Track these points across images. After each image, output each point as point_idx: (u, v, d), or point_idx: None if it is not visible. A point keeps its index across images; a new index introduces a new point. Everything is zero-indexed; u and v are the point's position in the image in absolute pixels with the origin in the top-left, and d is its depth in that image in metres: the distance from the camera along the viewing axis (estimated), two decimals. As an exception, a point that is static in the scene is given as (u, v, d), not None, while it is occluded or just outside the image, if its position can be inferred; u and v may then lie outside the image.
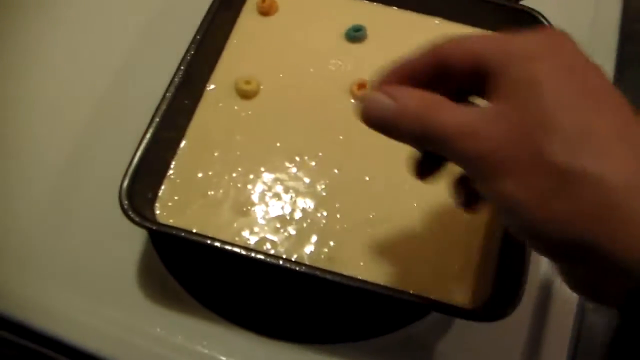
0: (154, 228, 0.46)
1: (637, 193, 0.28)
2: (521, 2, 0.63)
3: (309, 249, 0.48)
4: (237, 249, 0.45)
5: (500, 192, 0.30)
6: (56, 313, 0.50)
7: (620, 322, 0.53)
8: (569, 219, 0.29)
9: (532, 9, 0.58)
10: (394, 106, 0.34)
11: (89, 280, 0.51)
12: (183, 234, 0.46)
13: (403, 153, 0.51)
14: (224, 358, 0.49)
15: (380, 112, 0.35)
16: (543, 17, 0.57)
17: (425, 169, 0.39)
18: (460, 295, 0.47)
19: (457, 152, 0.31)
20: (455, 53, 0.34)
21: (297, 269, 0.45)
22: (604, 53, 0.64)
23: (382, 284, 0.46)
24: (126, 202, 0.46)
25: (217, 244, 0.45)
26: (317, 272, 0.45)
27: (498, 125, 0.30)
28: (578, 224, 0.28)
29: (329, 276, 0.45)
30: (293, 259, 0.47)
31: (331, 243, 0.48)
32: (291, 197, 0.50)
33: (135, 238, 0.52)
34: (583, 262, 0.30)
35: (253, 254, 0.45)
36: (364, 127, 0.53)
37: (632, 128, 0.29)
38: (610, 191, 0.28)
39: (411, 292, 0.46)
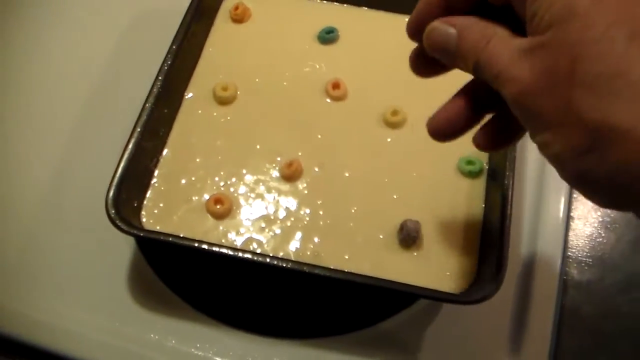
0: (142, 235, 0.47)
1: None
2: None
3: (294, 245, 0.49)
4: (224, 250, 0.46)
5: (540, 142, 0.31)
6: (48, 325, 0.51)
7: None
8: (605, 175, 0.28)
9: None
10: (454, 35, 0.35)
11: (79, 290, 0.52)
12: (170, 239, 0.47)
13: (380, 148, 0.53)
14: (217, 358, 0.50)
15: (443, 39, 0.35)
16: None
17: (423, 66, 0.41)
18: (445, 281, 0.48)
19: (502, 92, 0.32)
20: None
21: (285, 265, 0.46)
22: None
23: (370, 275, 0.47)
24: (113, 211, 0.47)
25: (205, 246, 0.46)
26: (305, 268, 0.46)
27: (531, 65, 0.30)
28: (616, 178, 0.28)
29: (317, 271, 0.46)
30: (279, 257, 0.48)
31: (316, 239, 0.49)
32: (274, 197, 0.51)
33: (123, 247, 0.53)
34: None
35: (240, 254, 0.46)
36: (341, 125, 0.55)
37: None
38: None
39: (398, 281, 0.47)
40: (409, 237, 0.48)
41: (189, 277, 0.52)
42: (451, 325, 0.52)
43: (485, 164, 0.52)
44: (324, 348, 0.50)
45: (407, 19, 0.59)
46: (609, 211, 0.59)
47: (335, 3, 0.61)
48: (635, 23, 0.28)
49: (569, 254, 0.57)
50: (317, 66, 0.57)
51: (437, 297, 0.46)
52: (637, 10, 0.29)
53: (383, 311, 0.52)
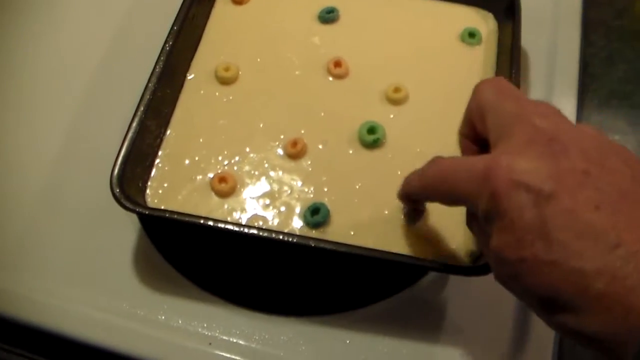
0: (147, 213, 0.47)
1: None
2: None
3: (299, 223, 0.49)
4: (229, 226, 0.46)
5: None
6: (54, 307, 0.50)
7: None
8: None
9: (498, -19, 0.59)
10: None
11: (85, 272, 0.52)
12: (176, 216, 0.47)
13: (383, 124, 0.53)
14: (224, 337, 0.49)
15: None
16: (509, -12, 0.59)
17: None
18: (450, 255, 0.48)
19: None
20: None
21: (290, 240, 0.46)
22: (569, 21, 0.66)
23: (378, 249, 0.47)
24: (117, 189, 0.47)
25: (210, 222, 0.46)
26: (311, 242, 0.46)
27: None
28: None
29: (323, 244, 0.46)
30: (285, 232, 0.48)
31: (320, 214, 0.49)
32: (278, 174, 0.51)
33: (128, 228, 0.53)
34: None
35: (245, 230, 0.46)
36: (344, 103, 0.55)
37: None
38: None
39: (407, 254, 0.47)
40: (414, 211, 0.48)
41: (194, 256, 0.52)
42: (457, 301, 0.52)
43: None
44: (331, 325, 0.50)
45: (407, -4, 0.60)
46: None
47: (335, -17, 0.61)
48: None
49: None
50: (318, 45, 0.58)
51: (442, 269, 0.47)
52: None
53: (389, 288, 0.52)
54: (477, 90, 0.40)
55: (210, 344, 0.49)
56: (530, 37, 0.61)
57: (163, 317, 0.50)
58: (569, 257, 0.32)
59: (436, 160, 0.41)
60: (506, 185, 0.33)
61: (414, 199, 0.45)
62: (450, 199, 0.40)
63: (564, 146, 0.34)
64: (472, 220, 0.41)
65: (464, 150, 0.44)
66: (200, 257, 0.52)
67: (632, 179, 0.33)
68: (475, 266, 0.46)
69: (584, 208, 0.32)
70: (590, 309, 0.31)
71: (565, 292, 0.32)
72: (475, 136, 0.41)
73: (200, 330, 0.50)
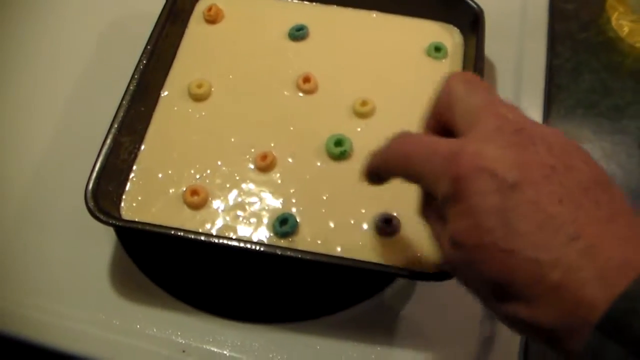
0: (120, 224, 0.49)
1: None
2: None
3: (268, 232, 0.51)
4: (199, 237, 0.48)
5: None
6: (31, 318, 0.52)
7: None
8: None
9: (464, -5, 0.61)
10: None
11: (62, 284, 0.54)
12: (147, 228, 0.48)
13: (350, 137, 0.55)
14: (198, 345, 0.51)
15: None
16: (474, 2, 0.61)
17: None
18: (415, 263, 0.49)
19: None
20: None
21: (258, 249, 0.48)
22: (535, 33, 0.68)
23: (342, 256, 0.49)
24: (92, 203, 0.48)
25: (181, 233, 0.48)
26: (278, 251, 0.48)
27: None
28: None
29: (289, 253, 0.48)
30: (253, 241, 0.50)
31: (289, 224, 0.51)
32: (248, 186, 0.53)
33: (104, 241, 0.55)
34: None
35: (215, 240, 0.48)
36: (312, 117, 0.57)
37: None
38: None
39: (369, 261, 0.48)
40: (389, 230, 0.50)
41: (168, 267, 0.54)
42: (424, 307, 0.53)
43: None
44: (302, 331, 0.52)
45: (374, 15, 0.62)
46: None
47: (305, 2, 0.63)
48: None
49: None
50: (289, 62, 0.59)
51: (406, 275, 0.48)
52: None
53: (358, 295, 0.53)
54: (446, 82, 0.40)
55: (184, 351, 0.51)
56: (497, 49, 0.63)
57: (138, 326, 0.52)
58: (528, 247, 0.32)
59: (402, 136, 0.40)
60: (471, 169, 0.34)
61: (377, 175, 0.44)
62: (411, 177, 0.39)
63: (531, 138, 0.34)
64: (427, 208, 0.42)
65: None
66: (174, 268, 0.54)
67: (593, 179, 0.34)
68: (438, 273, 0.48)
69: (548, 201, 0.32)
70: (543, 299, 0.32)
71: (520, 281, 0.32)
72: (440, 128, 0.41)
73: (174, 338, 0.51)
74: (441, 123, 0.40)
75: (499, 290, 0.33)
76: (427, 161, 0.37)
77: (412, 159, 0.38)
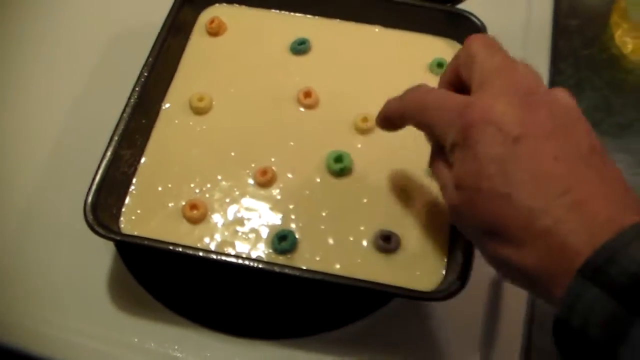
0: (118, 239, 0.49)
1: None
2: (457, 6, 0.66)
3: (267, 249, 0.50)
4: (197, 252, 0.48)
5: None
6: (29, 329, 0.52)
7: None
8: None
9: (467, 12, 0.61)
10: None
11: (61, 296, 0.54)
12: (146, 242, 0.48)
13: (351, 154, 0.55)
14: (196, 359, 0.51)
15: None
16: (477, 19, 0.61)
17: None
18: (415, 280, 0.49)
19: None
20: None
21: (255, 266, 0.47)
22: (538, 49, 0.68)
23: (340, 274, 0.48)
24: (91, 216, 0.48)
25: (179, 249, 0.48)
26: (275, 268, 0.48)
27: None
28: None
29: (287, 270, 0.47)
30: (251, 258, 0.50)
31: (288, 241, 0.50)
32: (248, 202, 0.53)
33: (104, 253, 0.55)
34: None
35: (212, 256, 0.48)
36: (313, 132, 0.57)
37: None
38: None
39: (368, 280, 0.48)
40: (389, 248, 0.50)
41: (167, 280, 0.54)
42: (424, 324, 0.54)
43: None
44: (302, 348, 0.52)
45: (376, 30, 0.62)
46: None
47: (307, 15, 0.63)
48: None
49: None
50: (290, 76, 0.59)
51: (402, 294, 0.48)
52: None
53: (357, 311, 0.53)
54: (468, 42, 0.44)
55: (181, 366, 0.51)
56: (500, 66, 0.63)
57: (136, 340, 0.52)
58: (522, 195, 0.36)
59: (419, 87, 0.45)
60: (480, 120, 0.38)
61: (392, 123, 0.48)
62: (425, 125, 0.44)
63: (538, 103, 0.38)
64: (436, 159, 0.45)
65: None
66: (173, 281, 0.54)
67: (588, 147, 0.37)
68: (436, 291, 0.48)
69: (544, 157, 0.36)
70: (531, 243, 0.35)
71: (512, 225, 0.36)
72: (456, 84, 0.45)
73: (172, 352, 0.52)
74: (457, 80, 0.44)
75: (492, 232, 0.37)
76: (441, 110, 0.41)
77: (427, 108, 0.43)
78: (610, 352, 0.32)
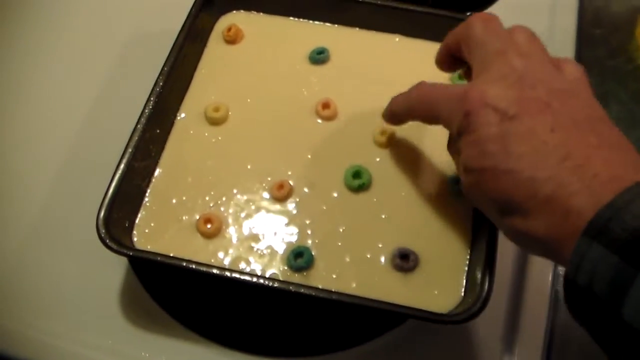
0: (130, 254, 0.48)
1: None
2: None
3: (282, 266, 0.49)
4: (211, 270, 0.47)
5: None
6: (41, 343, 0.52)
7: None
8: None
9: (488, 21, 0.60)
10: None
11: (73, 309, 0.53)
12: (158, 259, 0.47)
13: (369, 167, 0.54)
14: (207, 377, 0.50)
15: None
16: (500, 28, 0.59)
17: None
18: (432, 300, 0.48)
19: None
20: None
21: (271, 284, 0.46)
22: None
23: (356, 294, 0.47)
24: (104, 231, 0.47)
25: (193, 265, 0.47)
26: (291, 287, 0.46)
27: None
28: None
29: (303, 290, 0.46)
30: (267, 276, 0.49)
31: (304, 258, 0.49)
32: (263, 217, 0.51)
33: (116, 266, 0.54)
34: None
35: (227, 273, 0.47)
36: (330, 145, 0.56)
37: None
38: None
39: (384, 300, 0.47)
40: (406, 266, 0.49)
41: (180, 296, 0.53)
42: (441, 342, 0.52)
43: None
44: (314, 366, 0.51)
45: (397, 39, 0.61)
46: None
47: (326, 24, 0.62)
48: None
49: (560, 270, 0.57)
50: (308, 86, 0.58)
51: (420, 317, 0.47)
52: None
53: (373, 330, 0.52)
54: (468, 23, 0.45)
55: (192, 382, 0.50)
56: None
57: (147, 355, 0.51)
58: (524, 167, 0.38)
59: (421, 84, 0.47)
60: (478, 105, 0.40)
61: (399, 118, 0.51)
62: (430, 118, 0.46)
63: (532, 82, 0.40)
64: (451, 145, 0.47)
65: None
66: (186, 297, 0.53)
67: (586, 115, 0.39)
68: (455, 314, 0.46)
69: (541, 129, 0.38)
70: (537, 211, 0.37)
71: (517, 197, 0.38)
72: (453, 59, 0.48)
73: (183, 368, 0.51)
74: (455, 55, 0.48)
75: (502, 206, 0.39)
76: (446, 102, 0.43)
77: (432, 102, 0.45)
78: (615, 307, 0.32)
